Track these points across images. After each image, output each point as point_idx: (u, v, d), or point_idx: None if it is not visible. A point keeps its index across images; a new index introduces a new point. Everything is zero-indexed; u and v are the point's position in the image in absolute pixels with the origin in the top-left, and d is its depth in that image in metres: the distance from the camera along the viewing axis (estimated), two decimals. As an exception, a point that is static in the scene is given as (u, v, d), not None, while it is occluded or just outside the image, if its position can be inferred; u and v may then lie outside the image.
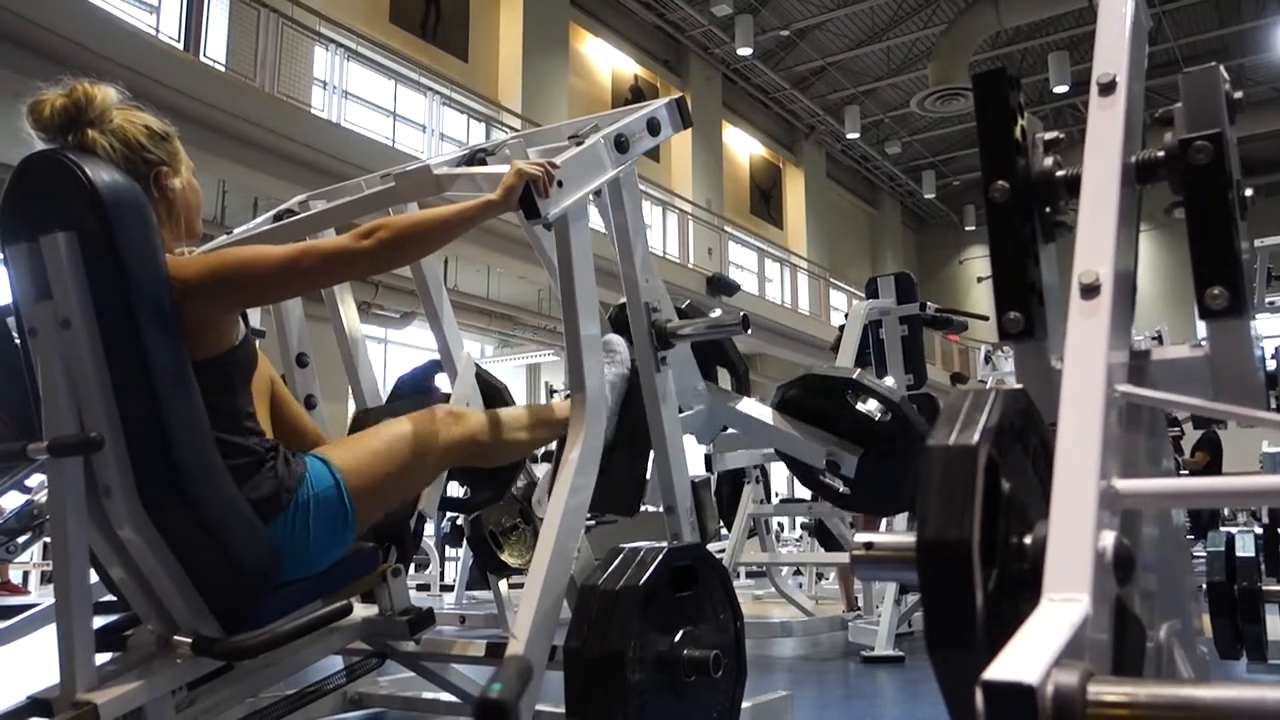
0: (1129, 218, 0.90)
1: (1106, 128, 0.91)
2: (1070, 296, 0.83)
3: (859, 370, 2.94)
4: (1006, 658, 0.58)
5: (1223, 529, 2.20)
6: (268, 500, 1.55)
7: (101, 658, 1.53)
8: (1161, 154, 0.91)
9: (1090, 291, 0.82)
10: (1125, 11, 0.99)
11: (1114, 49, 0.96)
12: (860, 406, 2.67)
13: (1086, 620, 0.63)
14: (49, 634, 1.53)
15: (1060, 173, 0.96)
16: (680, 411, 2.24)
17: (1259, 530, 2.23)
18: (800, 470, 2.96)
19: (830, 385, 2.76)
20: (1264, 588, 2.11)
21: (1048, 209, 0.97)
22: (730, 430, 2.93)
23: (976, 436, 0.71)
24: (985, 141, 0.95)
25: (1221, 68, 0.92)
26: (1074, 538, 0.68)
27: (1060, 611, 0.63)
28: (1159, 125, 0.96)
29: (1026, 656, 0.58)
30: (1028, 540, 0.72)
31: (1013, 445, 0.75)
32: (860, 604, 4.95)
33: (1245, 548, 2.14)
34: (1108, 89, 0.93)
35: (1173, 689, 0.58)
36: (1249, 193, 0.94)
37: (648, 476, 2.14)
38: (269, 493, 1.56)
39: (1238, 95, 0.93)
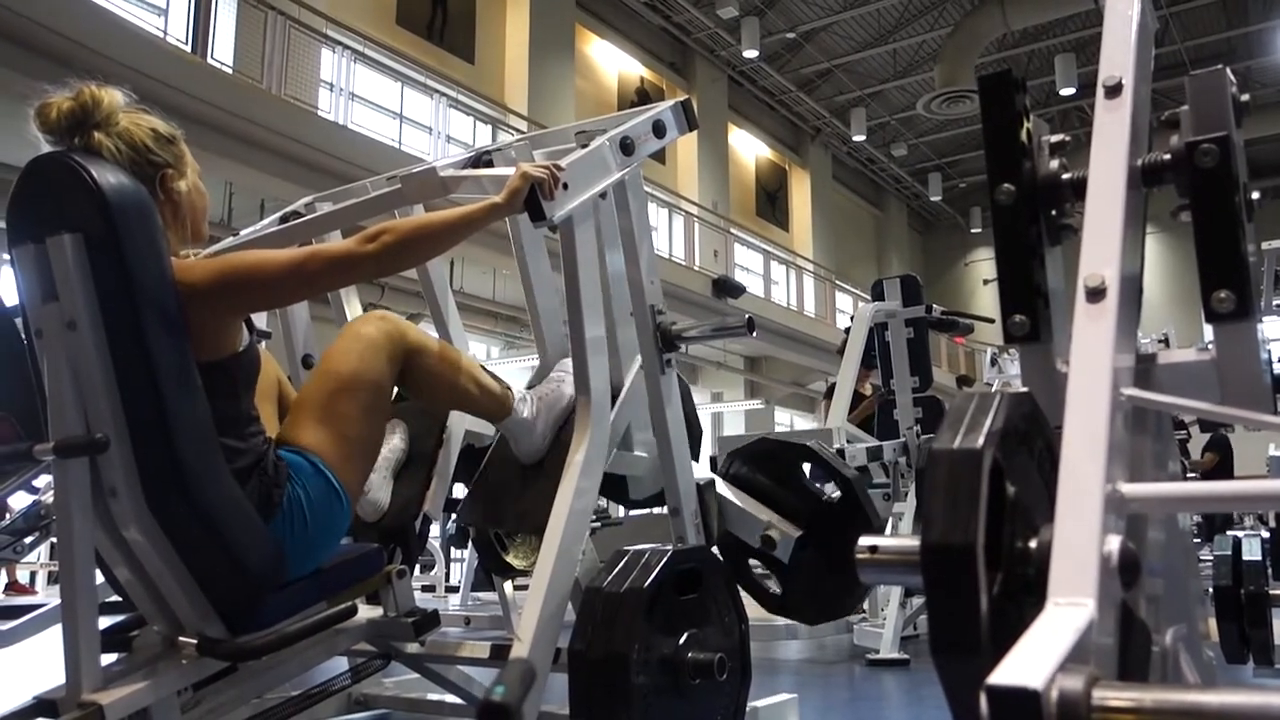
0: (1135, 221, 0.90)
1: (1112, 130, 0.91)
2: (1076, 300, 0.82)
3: (816, 440, 2.54)
4: (1011, 662, 0.58)
5: (1229, 533, 2.19)
6: (264, 500, 1.56)
7: (107, 658, 1.53)
8: (1168, 157, 0.91)
9: (1096, 295, 0.82)
10: (1132, 14, 0.99)
11: (1120, 52, 0.96)
12: (807, 481, 2.35)
13: (1092, 625, 0.63)
14: (55, 634, 1.53)
15: (1066, 175, 0.96)
16: (633, 450, 2.10)
17: (1266, 534, 2.22)
18: (732, 552, 2.38)
19: (781, 453, 2.42)
20: (1271, 592, 2.10)
21: (1053, 212, 0.96)
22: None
23: (981, 440, 0.70)
24: (991, 144, 0.95)
25: (1228, 70, 0.92)
26: (1079, 542, 0.68)
27: (1065, 616, 0.63)
28: (1165, 128, 0.95)
29: (1031, 661, 0.58)
30: (1033, 544, 0.71)
31: (1018, 449, 0.75)
32: (866, 607, 4.94)
33: (1252, 551, 2.13)
34: (1114, 91, 0.93)
35: (1178, 694, 0.58)
36: (1256, 195, 0.93)
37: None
38: (265, 492, 1.56)
39: (1244, 98, 0.92)
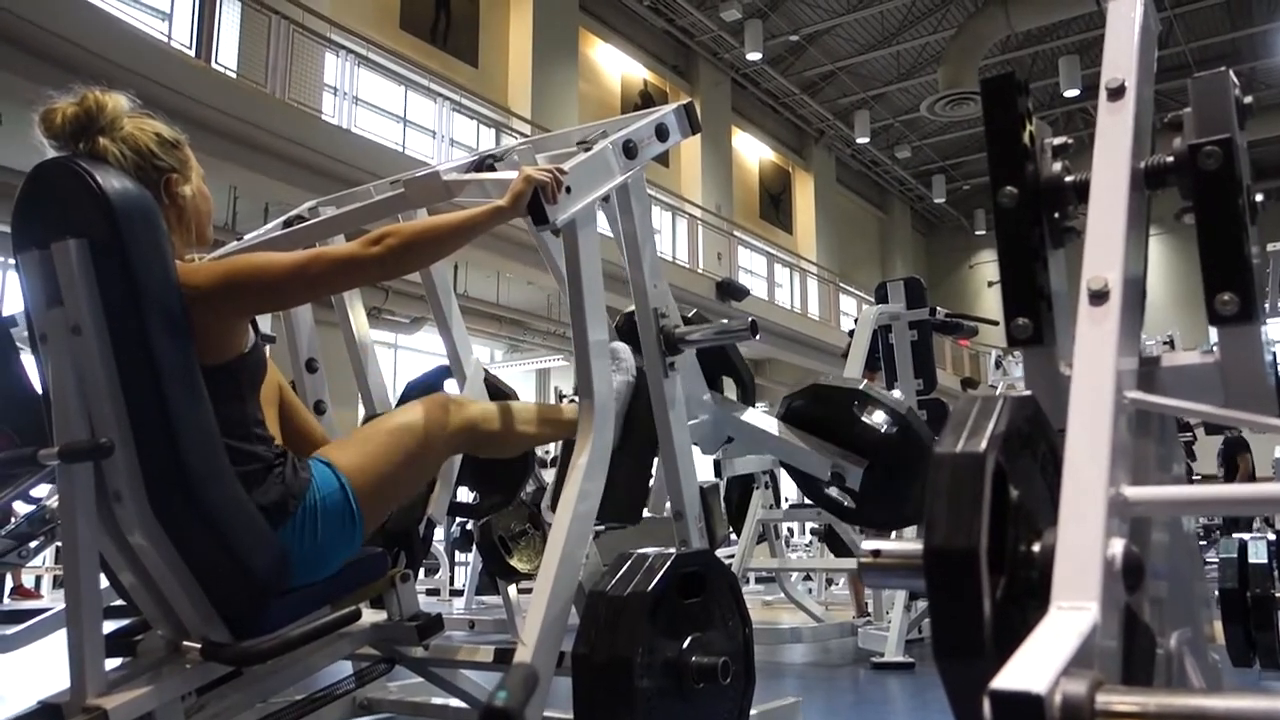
0: (1138, 223, 0.90)
1: (1115, 133, 0.91)
2: (1079, 302, 0.82)
3: (865, 381, 2.89)
4: (1014, 666, 0.58)
5: (1235, 535, 2.19)
6: (276, 506, 1.56)
7: (112, 663, 1.53)
8: (1171, 159, 0.90)
9: (1099, 298, 0.81)
10: (1134, 16, 0.99)
11: (1123, 54, 0.95)
12: (866, 418, 2.63)
13: (1095, 629, 0.63)
14: (60, 639, 1.53)
15: (1069, 178, 0.96)
16: (687, 420, 2.23)
17: (1272, 536, 2.22)
18: (805, 482, 2.93)
19: (836, 396, 2.72)
20: (1277, 594, 2.10)
21: (1056, 214, 0.96)
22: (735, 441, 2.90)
23: (984, 444, 0.70)
24: (994, 147, 0.95)
25: (1231, 72, 0.92)
26: (1083, 545, 0.68)
27: (1069, 620, 0.63)
28: (1168, 130, 0.95)
29: (1034, 665, 0.57)
30: (1036, 548, 0.71)
31: (1021, 452, 0.74)
32: (870, 610, 4.93)
33: (1258, 554, 2.13)
34: (1117, 94, 0.93)
35: (1182, 698, 0.58)
36: (1259, 198, 0.93)
37: (650, 485, 2.13)
38: (277, 499, 1.56)
39: (1247, 100, 0.92)
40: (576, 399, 2.02)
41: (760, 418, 2.76)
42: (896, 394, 4.08)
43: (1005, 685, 0.56)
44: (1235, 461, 8.13)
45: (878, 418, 2.63)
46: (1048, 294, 0.94)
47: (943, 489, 0.69)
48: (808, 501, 4.06)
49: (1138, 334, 0.89)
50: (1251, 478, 7.86)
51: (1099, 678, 0.57)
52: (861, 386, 2.76)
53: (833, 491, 2.80)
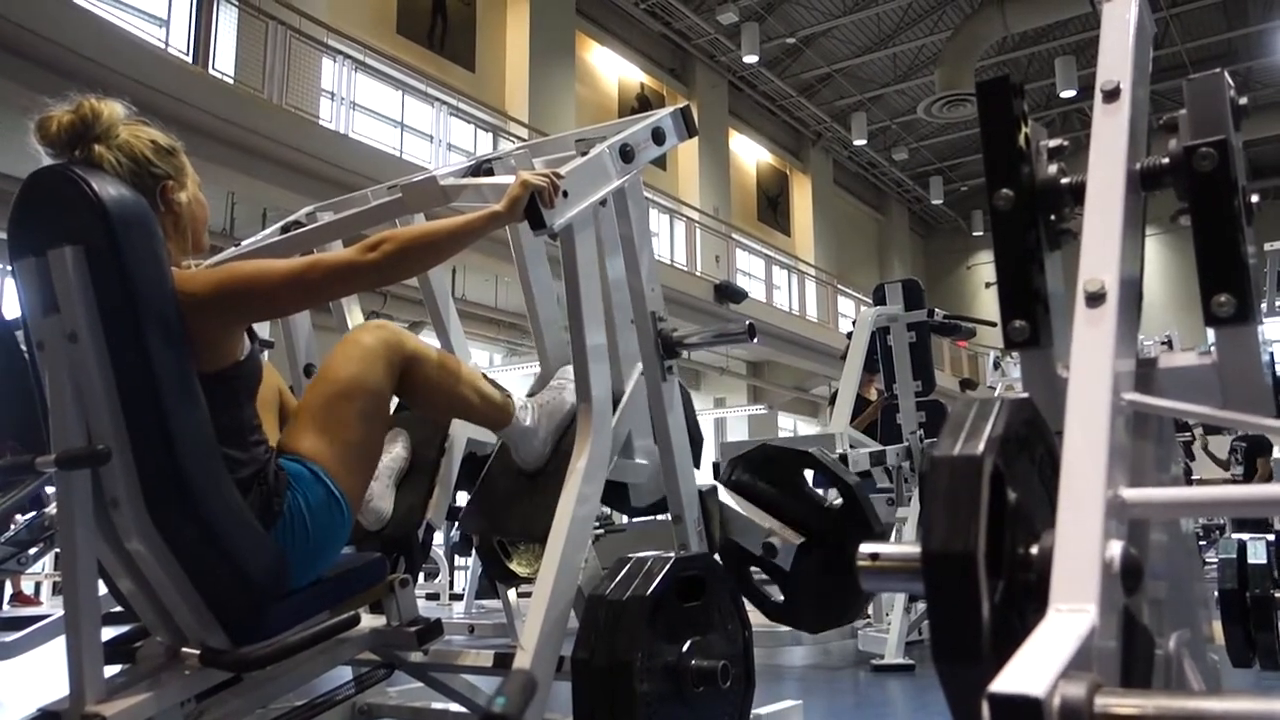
0: (1134, 225, 0.90)
1: (1111, 135, 0.91)
2: (1076, 304, 0.82)
3: (818, 446, 2.53)
4: (1013, 669, 0.58)
5: (1234, 535, 2.19)
6: (265, 509, 1.56)
7: (111, 670, 1.53)
8: (1166, 161, 0.90)
9: (1095, 299, 0.81)
10: (1129, 17, 0.99)
11: (1118, 55, 0.96)
12: (808, 488, 2.35)
13: (1094, 631, 0.63)
14: (59, 646, 1.53)
15: (1065, 180, 0.96)
16: (634, 459, 2.08)
17: (1271, 537, 2.21)
18: (733, 560, 2.35)
19: (783, 459, 2.41)
20: (1277, 595, 2.09)
21: (1052, 216, 0.96)
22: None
23: (981, 446, 0.70)
24: (989, 150, 0.94)
25: (1226, 74, 0.92)
26: (1081, 547, 0.67)
27: (1067, 622, 0.63)
28: (1164, 132, 0.95)
29: (1033, 668, 0.57)
30: (1034, 550, 0.71)
31: (1018, 455, 0.74)
32: (870, 612, 4.93)
33: (1257, 555, 2.13)
34: (1112, 95, 0.93)
35: (1181, 700, 0.57)
36: (1255, 198, 0.93)
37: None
38: (264, 501, 1.56)
39: (1242, 101, 0.92)
40: (525, 399, 2.01)
41: (700, 480, 2.32)
42: (862, 452, 3.83)
43: (1004, 688, 0.56)
44: (1255, 463, 8.12)
45: (820, 488, 2.38)
46: (1044, 296, 0.94)
47: (940, 492, 0.69)
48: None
49: (1135, 335, 0.89)
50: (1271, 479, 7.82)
51: (1098, 680, 0.57)
52: (813, 450, 2.45)
53: (761, 575, 2.41)
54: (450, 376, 1.87)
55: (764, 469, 2.40)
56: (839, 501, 2.30)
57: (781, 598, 2.38)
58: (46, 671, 2.00)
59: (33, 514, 3.47)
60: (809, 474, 2.43)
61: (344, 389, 1.70)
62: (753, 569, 2.38)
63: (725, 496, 2.27)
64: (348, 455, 1.68)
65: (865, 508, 2.26)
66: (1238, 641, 2.07)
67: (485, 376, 2.06)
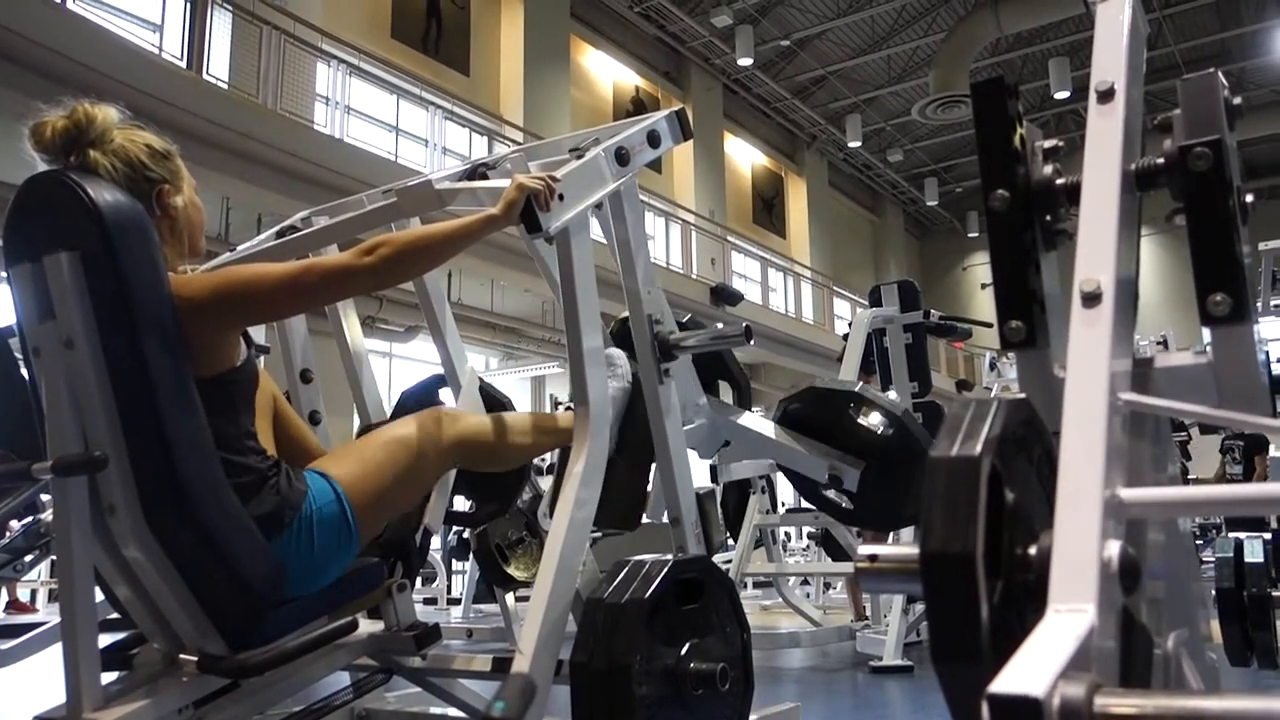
0: (1129, 225, 0.90)
1: (1105, 135, 0.91)
2: (1072, 305, 0.82)
3: (861, 383, 2.93)
4: (1012, 670, 0.58)
5: (1230, 534, 2.19)
6: (271, 518, 1.55)
7: (108, 677, 1.53)
8: (1161, 161, 0.91)
9: (1091, 300, 0.82)
10: (1123, 18, 0.99)
11: (1112, 56, 0.96)
12: (862, 420, 2.66)
13: (1092, 631, 0.63)
14: (56, 653, 1.53)
15: (1060, 180, 0.96)
16: (683, 425, 2.24)
17: (1268, 535, 2.21)
18: (802, 484, 2.95)
19: (832, 399, 2.75)
20: (1274, 594, 2.09)
21: (1048, 217, 0.96)
22: (731, 444, 2.92)
23: (979, 447, 0.70)
24: (984, 151, 0.95)
25: (1220, 74, 0.92)
26: (1079, 548, 0.68)
27: (1066, 622, 0.63)
28: (1158, 132, 0.96)
29: (1032, 669, 0.57)
30: (1032, 551, 0.71)
31: (1016, 455, 0.74)
32: (869, 613, 4.93)
33: (1255, 553, 2.12)
34: (1106, 96, 0.93)
35: (1180, 700, 0.58)
36: (1250, 198, 0.93)
37: (648, 491, 2.13)
38: (272, 510, 1.56)
39: (1236, 101, 0.92)
40: (572, 406, 2.02)
41: (757, 421, 2.77)
42: (892, 395, 4.10)
43: (1003, 689, 0.56)
44: (1254, 461, 8.11)
45: (874, 419, 2.67)
46: (1040, 297, 0.94)
47: (938, 493, 0.69)
48: (805, 506, 4.05)
49: (1131, 335, 0.89)
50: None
51: (1097, 680, 0.57)
52: (857, 388, 2.79)
53: (830, 493, 2.82)
54: (502, 436, 1.91)
55: (815, 407, 2.75)
56: (890, 431, 2.63)
57: (850, 506, 2.81)
58: (43, 679, 1.99)
59: (29, 520, 3.46)
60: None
61: (392, 442, 1.75)
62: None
63: (782, 435, 2.67)
64: (375, 495, 1.70)
65: (915, 430, 2.61)
66: (1235, 640, 2.07)
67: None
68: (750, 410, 2.82)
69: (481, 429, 1.88)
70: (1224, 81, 0.92)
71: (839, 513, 2.97)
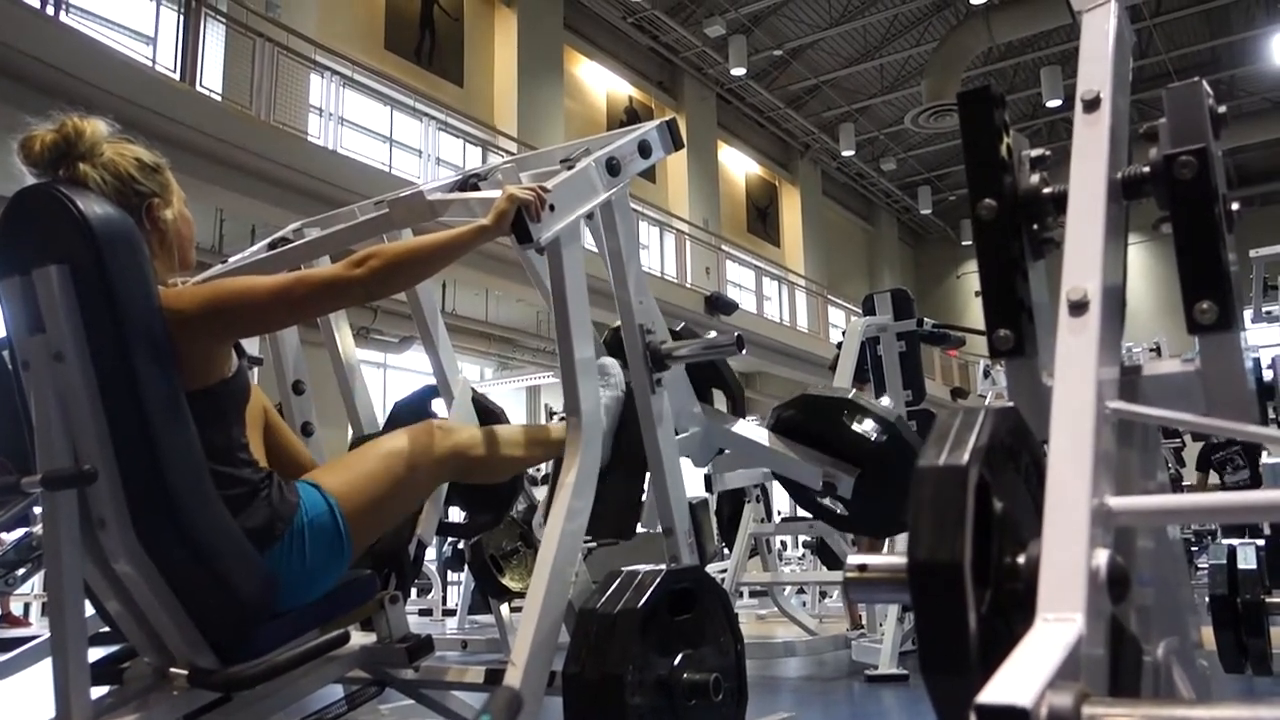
0: (1116, 234, 0.90)
1: (1092, 144, 0.91)
2: (1059, 313, 0.83)
3: (855, 390, 2.94)
4: (1000, 680, 0.58)
5: (1224, 541, 2.19)
6: (263, 530, 1.55)
7: (98, 691, 1.52)
8: (1147, 169, 0.91)
9: (1079, 308, 0.82)
10: (1108, 28, 1.00)
11: (1098, 65, 0.96)
12: (856, 427, 2.65)
13: (1081, 640, 0.63)
14: (46, 668, 1.52)
15: (1047, 190, 0.96)
16: (676, 434, 2.23)
17: (1260, 542, 2.22)
18: (797, 492, 2.95)
19: (826, 406, 2.74)
20: (1267, 600, 2.10)
21: (1035, 226, 0.97)
22: (726, 452, 2.92)
23: (967, 456, 0.70)
24: (971, 160, 0.95)
25: (1204, 82, 0.92)
26: (1067, 557, 0.68)
27: (1054, 632, 0.63)
28: (1145, 140, 0.96)
29: (1020, 678, 0.57)
30: (1020, 560, 0.71)
31: (1004, 464, 0.75)
32: (864, 622, 4.92)
33: (1247, 560, 2.13)
34: (1092, 105, 0.93)
35: (1169, 708, 0.58)
36: (1236, 205, 0.94)
37: (643, 500, 2.13)
38: (264, 522, 1.55)
39: (1222, 109, 0.93)
40: (563, 415, 2.02)
41: (751, 429, 2.77)
42: (885, 402, 4.09)
43: (991, 699, 0.56)
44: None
45: (867, 426, 2.66)
46: (1028, 305, 0.94)
47: (926, 502, 0.69)
48: (800, 514, 4.05)
49: (1118, 343, 0.89)
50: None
51: (1085, 689, 0.57)
52: (850, 395, 2.78)
53: (826, 500, 2.82)
54: (494, 448, 1.91)
55: (808, 414, 2.72)
56: (883, 436, 2.60)
57: (845, 511, 2.81)
58: (34, 694, 1.98)
59: (20, 535, 3.45)
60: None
61: (385, 454, 1.75)
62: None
63: (776, 442, 2.64)
64: (367, 507, 1.69)
65: (908, 436, 2.60)
66: (1229, 647, 2.08)
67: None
68: (744, 418, 2.81)
69: (474, 442, 1.88)
70: (1209, 90, 0.92)
71: (835, 519, 2.96)
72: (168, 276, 1.63)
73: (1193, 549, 6.57)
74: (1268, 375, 2.27)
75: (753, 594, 8.67)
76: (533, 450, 1.99)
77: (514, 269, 8.91)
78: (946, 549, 0.67)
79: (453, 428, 1.88)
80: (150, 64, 8.43)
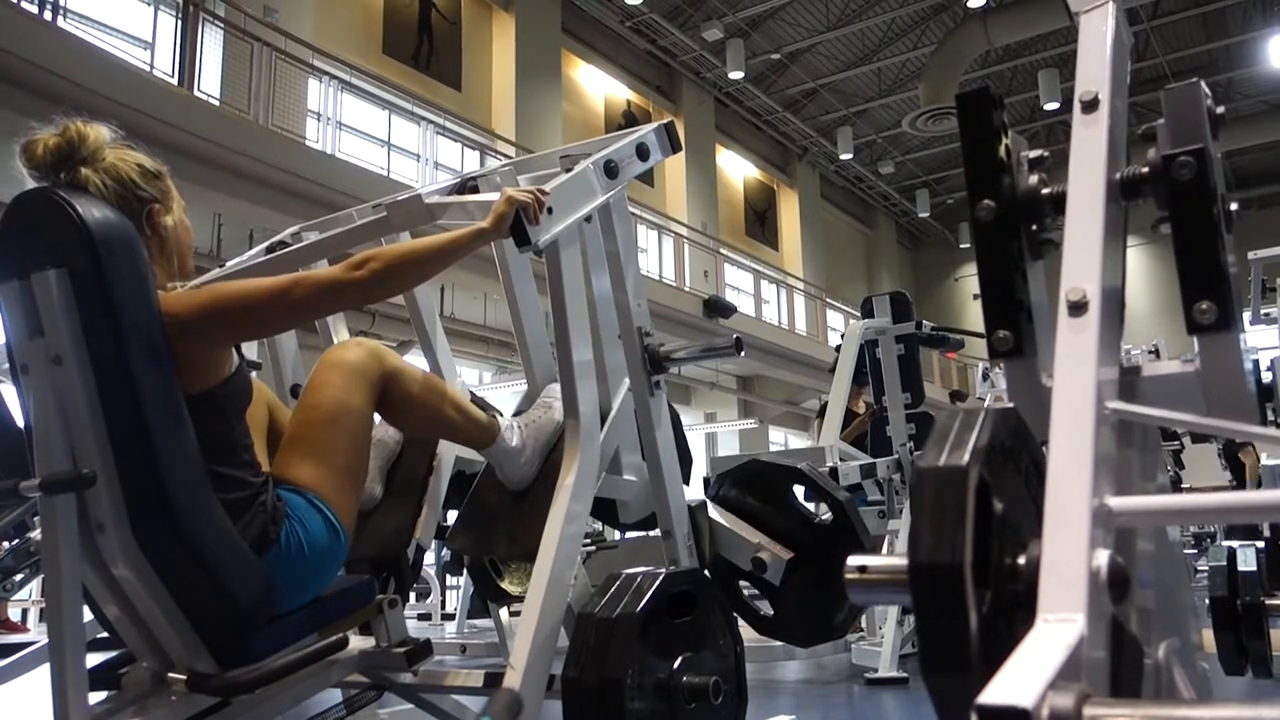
0: (1115, 234, 0.90)
1: (1090, 145, 0.91)
2: (1058, 314, 0.83)
3: (808, 463, 2.49)
4: (1001, 681, 0.57)
5: (1223, 543, 2.19)
6: (261, 534, 1.55)
7: (96, 696, 1.51)
8: (1146, 170, 0.91)
9: (1078, 309, 0.82)
10: (1106, 29, 1.00)
11: (1096, 67, 0.96)
12: (798, 503, 2.34)
13: (1082, 640, 0.63)
14: (44, 673, 1.51)
15: (1046, 190, 0.96)
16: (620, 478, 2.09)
17: (1260, 544, 2.22)
18: (719, 569, 2.33)
19: (771, 475, 2.40)
20: (1267, 602, 2.10)
21: (1034, 227, 0.97)
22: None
23: (967, 457, 0.70)
24: (970, 161, 0.95)
25: (1203, 83, 0.92)
26: (1067, 557, 0.67)
27: (1055, 632, 0.63)
28: (1143, 141, 0.96)
29: (1021, 679, 0.57)
30: (1021, 561, 0.71)
31: (1004, 465, 0.74)
32: (864, 625, 4.92)
33: (1247, 562, 2.13)
34: (1090, 107, 0.93)
35: (1169, 709, 0.57)
36: (1234, 206, 0.94)
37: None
38: (262, 527, 1.55)
39: (1220, 110, 0.93)
40: (511, 419, 2.00)
41: (690, 495, 2.32)
42: (852, 465, 3.80)
43: (992, 700, 0.56)
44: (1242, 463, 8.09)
45: (811, 505, 2.37)
46: (1028, 306, 0.94)
47: (926, 503, 0.69)
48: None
49: (1118, 344, 0.89)
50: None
51: (1086, 690, 0.57)
52: (804, 466, 2.42)
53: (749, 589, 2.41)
54: (433, 394, 1.87)
55: (752, 484, 2.39)
56: (828, 516, 2.29)
57: (771, 612, 2.36)
58: (32, 700, 1.98)
59: (17, 539, 3.44)
60: (798, 489, 2.43)
61: (329, 413, 1.71)
62: (742, 583, 2.38)
63: (714, 512, 2.27)
64: (339, 478, 1.68)
65: (855, 521, 2.26)
66: (1229, 649, 2.07)
67: (474, 396, 2.05)
68: (687, 486, 2.26)
69: (410, 372, 1.84)
70: (1207, 91, 0.92)
71: (754, 620, 2.39)
72: (167, 283, 1.63)
73: (1193, 551, 6.58)
74: (1266, 377, 2.28)
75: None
76: (468, 424, 1.92)
77: (512, 273, 8.92)
78: (947, 550, 0.67)
79: (384, 350, 1.84)
80: (148, 69, 8.44)
